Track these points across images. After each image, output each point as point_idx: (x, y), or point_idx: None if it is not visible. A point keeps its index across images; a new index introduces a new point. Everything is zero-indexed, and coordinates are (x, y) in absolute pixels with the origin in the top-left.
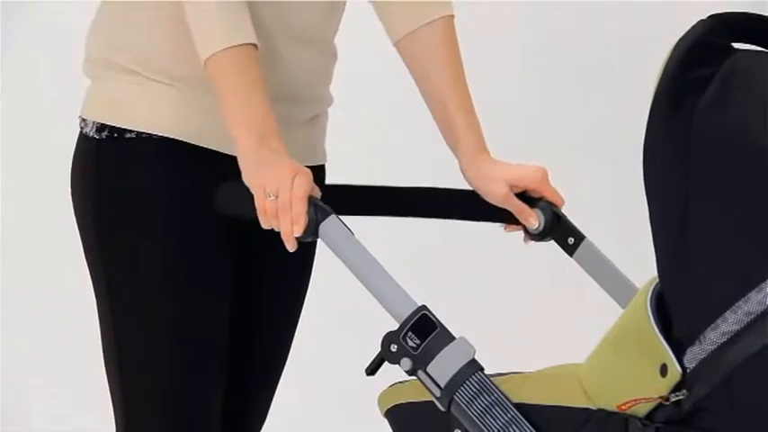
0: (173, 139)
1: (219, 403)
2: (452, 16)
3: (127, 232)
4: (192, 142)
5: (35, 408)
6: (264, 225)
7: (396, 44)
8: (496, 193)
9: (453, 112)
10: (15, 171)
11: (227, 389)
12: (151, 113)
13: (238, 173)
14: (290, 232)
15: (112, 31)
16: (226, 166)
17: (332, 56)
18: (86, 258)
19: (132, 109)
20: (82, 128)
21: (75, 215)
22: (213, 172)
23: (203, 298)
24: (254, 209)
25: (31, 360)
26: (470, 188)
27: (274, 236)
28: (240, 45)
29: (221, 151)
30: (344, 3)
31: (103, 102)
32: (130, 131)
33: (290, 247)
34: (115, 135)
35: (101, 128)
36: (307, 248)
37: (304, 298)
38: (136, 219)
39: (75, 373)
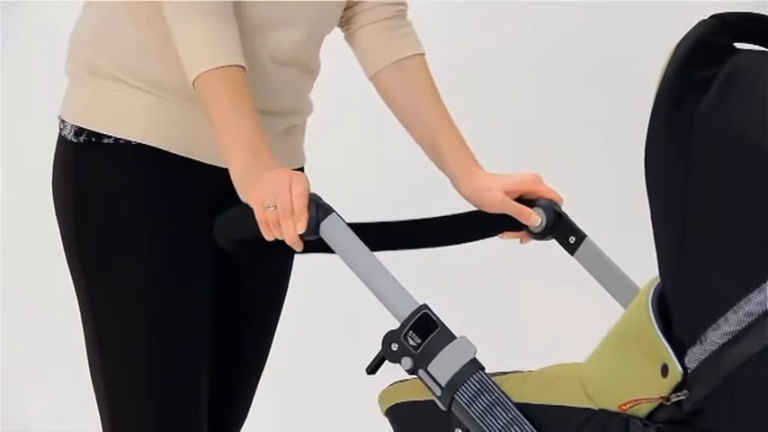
0: (151, 147)
1: (205, 406)
2: (424, 54)
3: (104, 235)
4: (171, 150)
5: (35, 408)
6: (268, 237)
7: (371, 78)
8: (494, 200)
9: (436, 134)
10: (15, 170)
11: (210, 386)
12: (130, 120)
13: (216, 181)
14: (295, 235)
15: (97, 33)
16: (203, 175)
17: (315, 72)
18: (68, 262)
19: (111, 115)
20: (61, 129)
21: (56, 217)
22: (191, 180)
23: (183, 298)
24: (255, 224)
25: (31, 360)
26: (465, 211)
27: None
28: (228, 66)
29: (199, 160)
30: (332, 26)
31: (83, 105)
32: (108, 137)
33: (297, 248)
34: (93, 140)
35: (79, 131)
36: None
37: (285, 293)
38: (113, 222)
39: (75, 374)
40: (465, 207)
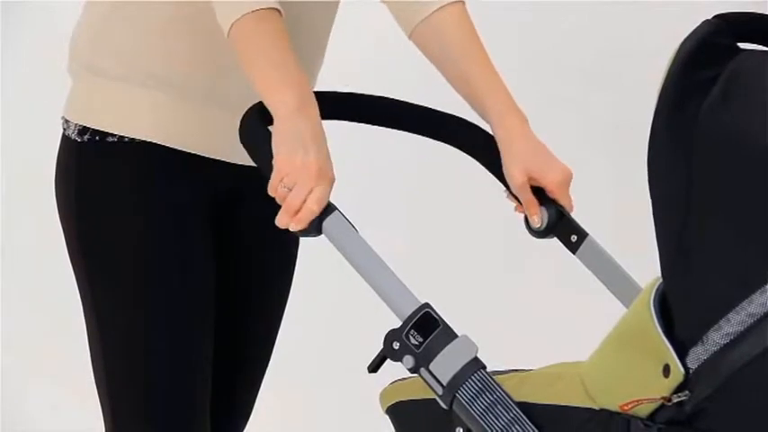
0: (155, 144)
1: (208, 401)
2: (462, 2)
3: (108, 235)
4: (176, 147)
5: (35, 408)
6: (270, 193)
7: (410, 37)
8: (515, 180)
9: (471, 81)
10: (15, 171)
11: (213, 383)
12: (135, 118)
13: (221, 176)
14: (286, 226)
15: (98, 32)
16: (208, 171)
17: (322, 53)
18: (70, 260)
19: (115, 113)
20: (64, 129)
21: (60, 217)
22: (195, 177)
23: (185, 296)
24: (270, 168)
25: (32, 360)
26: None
27: (258, 231)
28: (267, 8)
29: (205, 155)
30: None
31: (86, 104)
32: (113, 135)
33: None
34: (97, 138)
35: (83, 130)
36: (290, 242)
37: (288, 290)
38: (117, 222)
39: (76, 374)
40: (473, 193)
